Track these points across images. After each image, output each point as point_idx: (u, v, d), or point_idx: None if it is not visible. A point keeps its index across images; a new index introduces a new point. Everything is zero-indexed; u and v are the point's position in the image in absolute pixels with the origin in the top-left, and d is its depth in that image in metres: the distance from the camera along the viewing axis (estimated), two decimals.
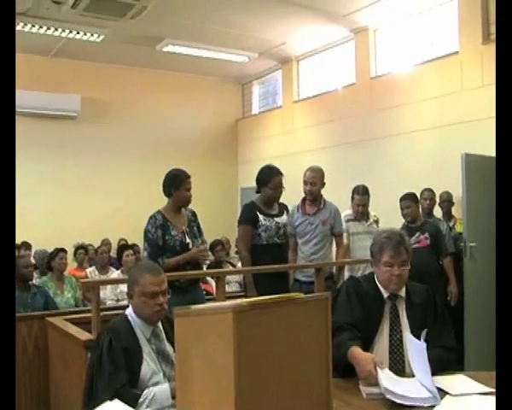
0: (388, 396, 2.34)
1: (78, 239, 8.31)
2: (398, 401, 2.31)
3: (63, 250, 6.22)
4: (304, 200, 4.94)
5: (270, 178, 4.72)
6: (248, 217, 4.69)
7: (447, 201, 6.60)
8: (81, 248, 7.84)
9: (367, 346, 2.79)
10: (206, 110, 11.34)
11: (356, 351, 2.63)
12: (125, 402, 2.45)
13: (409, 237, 5.12)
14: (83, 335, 3.55)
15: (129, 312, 2.79)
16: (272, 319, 1.84)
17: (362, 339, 2.77)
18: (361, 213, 5.57)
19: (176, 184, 4.37)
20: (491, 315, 5.41)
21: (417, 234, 5.57)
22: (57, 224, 9.37)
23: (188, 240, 4.34)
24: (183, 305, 3.55)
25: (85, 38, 8.54)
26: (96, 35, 8.50)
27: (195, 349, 1.86)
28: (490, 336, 5.55)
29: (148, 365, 2.66)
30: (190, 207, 4.55)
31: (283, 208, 4.87)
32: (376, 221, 5.67)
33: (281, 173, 4.79)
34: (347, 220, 5.56)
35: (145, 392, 2.55)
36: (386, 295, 2.91)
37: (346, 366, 2.64)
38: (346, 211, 5.65)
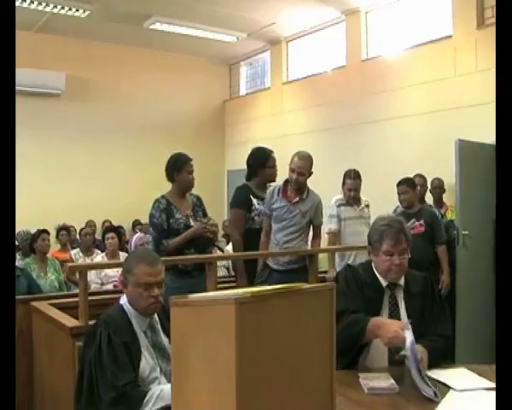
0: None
1: (61, 220, 8.15)
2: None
3: (46, 231, 6.06)
4: (286, 183, 4.49)
5: (267, 157, 4.66)
6: (241, 200, 4.58)
7: (438, 187, 6.54)
8: (63, 230, 7.67)
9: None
10: (193, 91, 11.18)
11: (379, 319, 2.62)
12: (131, 401, 2.34)
13: None
14: (69, 321, 3.43)
15: (124, 302, 2.64)
16: (276, 311, 1.75)
17: None
18: (352, 198, 5.41)
19: (177, 167, 4.35)
20: (483, 304, 5.44)
21: (412, 220, 5.47)
22: (40, 204, 9.18)
23: (192, 223, 4.27)
24: (185, 290, 3.50)
25: (70, 13, 8.36)
26: (81, 10, 8.33)
27: (193, 342, 1.76)
28: (482, 325, 5.56)
29: (147, 360, 2.53)
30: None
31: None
32: (367, 206, 5.55)
33: (272, 152, 4.77)
34: (338, 205, 5.42)
35: (152, 390, 2.41)
36: (384, 284, 2.84)
37: (359, 348, 2.62)
38: (336, 196, 5.54)
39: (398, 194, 5.69)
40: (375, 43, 8.76)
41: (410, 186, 5.66)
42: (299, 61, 10.32)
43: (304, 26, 9.70)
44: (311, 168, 4.44)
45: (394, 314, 2.80)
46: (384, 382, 2.42)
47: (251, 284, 4.24)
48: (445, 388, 2.38)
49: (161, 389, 2.38)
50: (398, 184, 5.71)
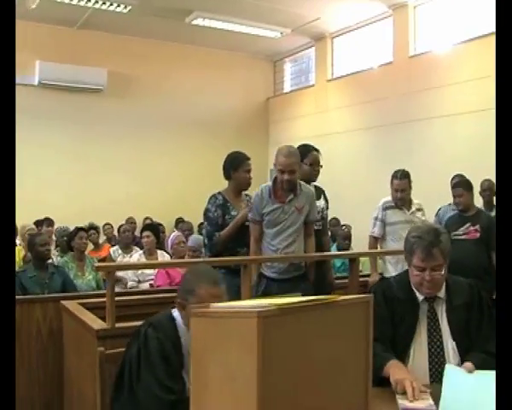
0: None
1: (102, 217, 8.16)
2: None
3: (83, 229, 6.01)
4: (275, 182, 4.06)
5: (306, 153, 4.39)
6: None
7: (489, 189, 6.22)
8: (92, 229, 7.65)
9: (402, 357, 2.51)
10: (236, 87, 11.10)
11: (395, 363, 2.40)
12: None
13: (458, 227, 5.02)
14: (96, 323, 3.31)
15: (176, 315, 2.45)
16: (304, 325, 1.60)
17: (395, 350, 2.50)
18: (400, 200, 5.06)
19: (234, 166, 4.33)
20: None
21: (467, 224, 5.22)
22: (80, 200, 9.23)
23: (247, 223, 4.20)
24: (233, 288, 3.47)
25: (112, 8, 8.39)
26: (122, 6, 8.35)
27: (213, 356, 1.64)
28: None
29: (184, 382, 2.32)
30: None
31: (320, 192, 4.54)
32: (419, 209, 5.15)
33: (317, 150, 4.51)
34: (385, 208, 5.12)
35: None
36: (421, 297, 2.60)
37: (381, 379, 2.37)
38: (385, 198, 5.28)
39: (453, 196, 5.39)
40: (424, 39, 8.55)
41: (466, 188, 5.34)
42: (345, 57, 10.15)
43: (349, 22, 9.53)
44: (299, 161, 4.06)
45: (434, 330, 2.57)
46: (421, 402, 2.19)
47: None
48: None
49: None
50: (454, 187, 5.43)
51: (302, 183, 4.10)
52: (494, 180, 6.20)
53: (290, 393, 1.55)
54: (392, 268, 4.84)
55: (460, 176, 5.89)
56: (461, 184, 5.37)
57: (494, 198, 6.29)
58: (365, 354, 1.77)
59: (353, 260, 4.09)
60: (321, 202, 4.44)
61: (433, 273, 2.51)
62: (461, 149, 7.39)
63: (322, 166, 4.54)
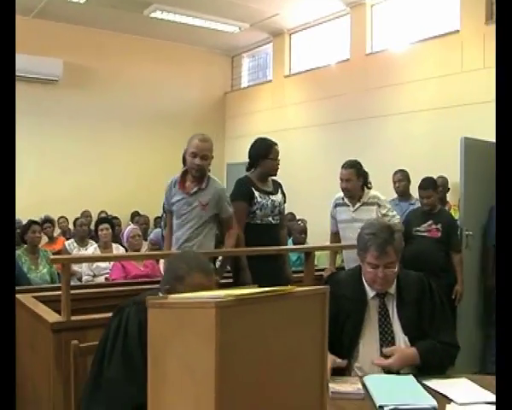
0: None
1: (57, 210, 8.02)
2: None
3: (36, 223, 5.92)
4: (185, 173, 4.00)
5: (269, 148, 4.40)
6: (243, 193, 4.33)
7: (442, 186, 6.36)
8: (47, 222, 7.53)
9: (350, 353, 2.57)
10: (194, 82, 11.05)
11: None
12: None
13: (420, 223, 5.14)
14: (51, 316, 3.26)
15: None
16: (262, 316, 1.62)
17: (341, 346, 2.55)
18: (345, 191, 4.74)
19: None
20: (485, 307, 5.29)
21: (430, 222, 5.25)
22: (35, 193, 9.05)
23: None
24: None
25: None
26: None
27: (171, 348, 1.64)
28: (484, 328, 5.41)
29: None
30: None
31: (278, 186, 4.55)
32: (373, 204, 4.74)
33: (276, 144, 4.50)
34: (335, 205, 4.91)
35: None
36: (372, 294, 2.65)
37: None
38: (338, 193, 5.18)
39: (421, 197, 5.37)
40: (380, 37, 8.62)
41: (434, 189, 5.36)
42: (302, 53, 10.18)
43: (307, 19, 9.56)
44: (212, 152, 4.00)
45: (385, 325, 2.62)
46: (350, 386, 2.33)
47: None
48: (444, 399, 2.24)
49: None
50: (424, 188, 5.32)
51: (214, 178, 4.01)
52: (447, 177, 6.36)
53: (248, 383, 1.56)
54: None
55: (401, 171, 6.13)
56: (430, 186, 5.33)
57: (447, 195, 6.44)
58: (321, 345, 1.79)
59: (309, 254, 4.13)
60: (278, 197, 4.44)
61: (386, 270, 2.56)
62: (416, 146, 7.50)
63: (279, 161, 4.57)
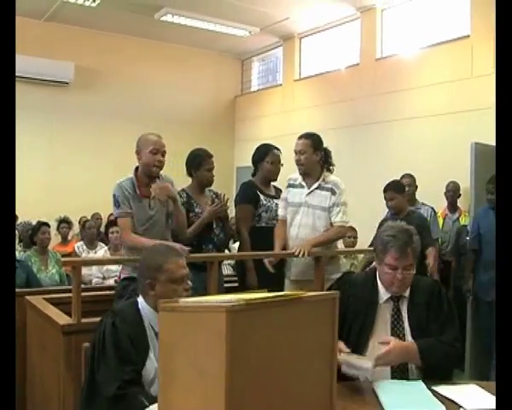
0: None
1: (67, 212, 8.04)
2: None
3: (46, 224, 5.95)
4: (137, 170, 3.77)
5: (267, 151, 4.49)
6: (249, 195, 4.40)
7: (453, 191, 6.35)
8: (64, 222, 7.57)
9: (357, 353, 2.53)
10: (204, 85, 11.07)
11: None
12: (129, 407, 2.15)
13: None
14: (61, 318, 3.29)
15: (140, 300, 2.47)
16: (271, 321, 1.65)
17: (350, 346, 2.52)
18: (298, 164, 4.18)
19: (196, 164, 4.29)
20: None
21: None
22: (46, 195, 9.10)
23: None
24: (200, 283, 3.47)
25: (80, 1, 8.27)
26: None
27: (182, 350, 1.66)
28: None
29: (152, 361, 2.33)
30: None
31: (279, 192, 4.59)
32: (328, 189, 4.14)
33: (278, 149, 4.57)
34: (289, 185, 4.32)
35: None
36: (386, 297, 2.65)
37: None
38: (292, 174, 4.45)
39: (386, 200, 5.18)
40: (390, 42, 8.61)
41: (397, 191, 5.17)
42: (312, 58, 10.18)
43: (318, 23, 9.55)
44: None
45: (398, 329, 2.62)
46: (360, 361, 2.35)
47: (260, 287, 3.97)
48: (453, 405, 2.24)
49: None
50: (384, 190, 5.20)
51: (163, 174, 3.85)
52: (459, 183, 6.34)
53: (257, 386, 1.58)
54: None
55: (409, 176, 6.06)
56: (391, 188, 5.18)
57: (458, 200, 6.42)
58: (331, 350, 1.81)
59: (318, 259, 4.12)
60: (279, 202, 4.44)
61: (404, 273, 2.56)
62: (425, 151, 7.48)
63: (282, 165, 4.59)
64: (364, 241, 5.73)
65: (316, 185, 4.15)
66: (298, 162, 4.17)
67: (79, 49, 9.63)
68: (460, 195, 6.41)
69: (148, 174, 3.73)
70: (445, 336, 2.59)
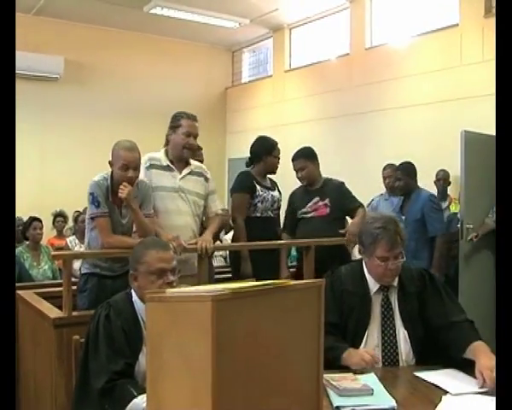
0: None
1: (59, 206, 8.03)
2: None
3: (37, 219, 5.95)
4: (111, 180, 3.57)
5: (275, 145, 4.54)
6: (246, 185, 4.40)
7: (443, 179, 6.36)
8: (60, 216, 7.57)
9: (356, 347, 2.56)
10: (195, 77, 11.06)
11: (351, 350, 2.49)
12: (119, 399, 2.16)
13: (305, 202, 4.45)
14: (52, 311, 3.29)
15: (134, 292, 2.48)
16: (257, 309, 1.65)
17: (348, 341, 2.56)
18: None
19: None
20: (486, 300, 5.29)
21: (316, 199, 4.43)
22: (38, 190, 9.08)
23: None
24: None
25: None
26: None
27: (169, 340, 1.67)
28: (485, 320, 5.40)
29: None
30: None
31: (275, 184, 4.63)
32: (201, 174, 4.03)
33: (278, 144, 4.64)
34: (149, 166, 3.96)
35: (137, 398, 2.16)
36: (375, 288, 2.64)
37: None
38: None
39: (295, 170, 4.52)
40: (380, 32, 8.61)
41: (308, 158, 4.49)
42: (302, 48, 10.18)
43: (307, 13, 9.55)
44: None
45: (388, 319, 2.62)
46: (354, 383, 2.27)
47: (255, 276, 3.96)
48: (439, 391, 2.26)
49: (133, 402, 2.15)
50: (293, 159, 4.53)
51: (142, 182, 3.64)
52: (449, 171, 6.36)
53: (244, 375, 1.58)
54: None
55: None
56: (302, 155, 4.52)
57: (448, 188, 6.44)
58: (317, 338, 1.82)
59: (308, 249, 4.14)
60: (276, 193, 4.51)
61: (395, 262, 2.55)
62: (415, 139, 7.50)
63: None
64: None
65: (188, 171, 3.95)
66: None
67: (69, 44, 9.60)
68: (450, 183, 6.43)
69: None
70: (458, 315, 2.59)
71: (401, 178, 5.22)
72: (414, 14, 8.09)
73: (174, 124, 4.05)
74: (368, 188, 5.61)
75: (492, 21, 6.63)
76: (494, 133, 5.49)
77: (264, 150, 4.49)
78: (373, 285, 2.65)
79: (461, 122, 6.17)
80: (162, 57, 10.55)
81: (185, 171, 3.92)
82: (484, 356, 2.33)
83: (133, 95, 10.27)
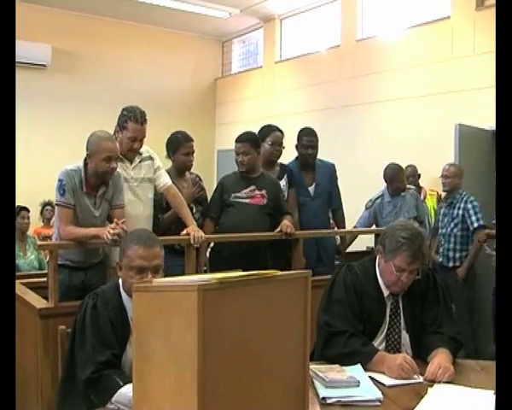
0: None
1: (45, 196, 7.97)
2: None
3: (25, 209, 5.90)
4: (85, 169, 3.60)
5: (269, 132, 4.47)
6: None
7: (412, 175, 6.28)
8: (48, 205, 7.54)
9: None
10: (184, 67, 11.01)
11: (382, 354, 2.46)
12: (104, 389, 2.16)
13: (241, 188, 4.19)
14: (38, 302, 3.28)
15: (121, 283, 2.46)
16: (244, 299, 1.64)
17: None
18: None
19: (174, 148, 4.23)
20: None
21: (252, 187, 4.20)
22: (24, 179, 8.96)
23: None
24: (179, 268, 3.47)
25: None
26: None
27: (155, 329, 1.67)
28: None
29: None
30: None
31: (284, 172, 4.54)
32: (147, 158, 4.08)
33: (281, 131, 4.56)
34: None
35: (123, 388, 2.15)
36: (386, 293, 2.62)
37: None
38: None
39: (236, 153, 4.23)
40: (371, 24, 8.57)
41: (253, 146, 4.21)
42: (293, 39, 10.15)
43: (298, 4, 9.53)
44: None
45: (394, 323, 2.61)
46: (341, 375, 2.28)
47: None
48: (425, 383, 2.29)
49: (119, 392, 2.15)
50: (238, 141, 4.24)
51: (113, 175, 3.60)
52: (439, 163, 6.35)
53: (231, 365, 1.58)
54: None
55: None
56: (248, 139, 4.22)
57: (419, 181, 6.42)
58: (304, 328, 1.81)
59: (297, 241, 4.14)
60: (283, 182, 4.45)
61: (410, 276, 2.53)
62: (406, 132, 7.50)
63: (284, 148, 4.57)
64: (350, 224, 5.61)
65: (139, 159, 3.99)
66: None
67: (57, 32, 9.51)
68: (420, 175, 6.44)
69: (100, 178, 3.54)
70: (446, 329, 2.58)
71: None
72: (405, 6, 8.06)
73: (121, 123, 4.04)
74: (359, 180, 5.60)
75: (484, 14, 6.64)
76: (485, 126, 5.52)
77: (259, 138, 4.37)
78: (385, 289, 2.63)
79: (452, 115, 6.19)
80: (151, 47, 10.49)
81: (136, 160, 3.96)
82: (440, 354, 2.41)
83: (122, 84, 10.19)
